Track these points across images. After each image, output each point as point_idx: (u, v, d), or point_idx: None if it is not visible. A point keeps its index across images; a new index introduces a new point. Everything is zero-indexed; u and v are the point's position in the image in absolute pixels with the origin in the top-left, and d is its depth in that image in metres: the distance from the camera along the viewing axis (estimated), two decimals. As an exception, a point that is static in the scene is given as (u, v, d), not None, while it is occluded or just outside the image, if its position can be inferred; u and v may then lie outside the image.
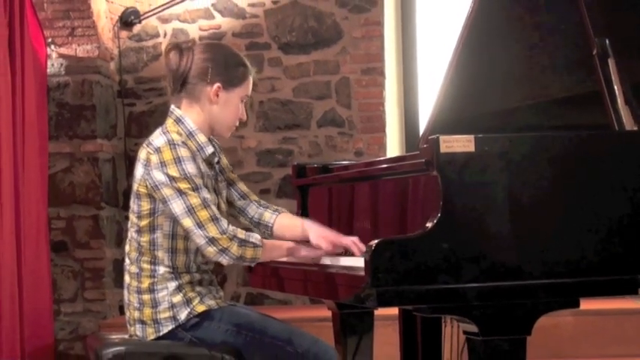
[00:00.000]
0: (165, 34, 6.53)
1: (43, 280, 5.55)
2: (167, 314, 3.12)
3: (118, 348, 3.09)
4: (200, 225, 3.04)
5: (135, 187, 3.15)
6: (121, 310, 5.78)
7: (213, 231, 3.03)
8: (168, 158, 3.07)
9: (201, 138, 3.20)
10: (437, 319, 3.58)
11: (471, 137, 2.65)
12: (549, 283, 2.65)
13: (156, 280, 3.14)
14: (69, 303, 6.11)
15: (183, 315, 3.11)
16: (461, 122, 3.48)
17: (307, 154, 6.42)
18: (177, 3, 6.44)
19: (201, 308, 3.12)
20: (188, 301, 3.12)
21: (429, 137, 2.69)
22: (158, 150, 3.09)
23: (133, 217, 3.18)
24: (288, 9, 6.44)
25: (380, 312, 3.27)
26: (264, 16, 6.47)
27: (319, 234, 3.21)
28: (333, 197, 3.54)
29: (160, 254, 3.14)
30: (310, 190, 3.69)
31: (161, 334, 3.12)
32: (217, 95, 3.21)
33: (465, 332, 2.74)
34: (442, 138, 2.64)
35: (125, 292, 3.23)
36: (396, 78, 6.55)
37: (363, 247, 3.11)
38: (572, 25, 3.13)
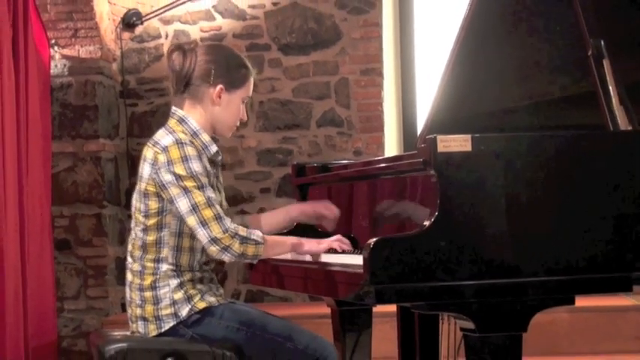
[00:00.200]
0: (166, 36, 6.53)
1: (47, 277, 5.55)
2: (169, 311, 3.13)
3: (120, 344, 3.10)
4: (203, 223, 3.05)
5: (143, 186, 3.15)
6: (123, 308, 5.78)
7: (215, 230, 3.04)
8: (175, 157, 3.09)
9: (205, 137, 3.22)
10: (434, 316, 3.58)
11: (468, 137, 2.66)
12: (545, 281, 2.66)
13: (158, 277, 3.15)
14: (72, 300, 6.11)
15: (184, 312, 3.12)
16: (458, 122, 3.47)
17: (307, 153, 6.43)
18: (179, 5, 6.45)
19: (202, 305, 3.13)
20: (189, 298, 3.13)
21: (427, 137, 2.70)
22: (166, 149, 3.10)
23: (138, 216, 3.18)
24: (288, 10, 6.44)
25: (378, 309, 3.25)
26: (264, 18, 6.47)
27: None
28: (333, 196, 3.54)
29: (165, 252, 3.15)
30: (310, 189, 3.70)
31: (163, 330, 3.13)
32: (220, 97, 3.23)
33: (462, 329, 2.75)
34: (439, 138, 2.65)
35: (127, 289, 3.24)
36: (394, 78, 6.55)
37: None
38: (567, 26, 3.12)
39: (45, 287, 5.53)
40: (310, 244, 3.21)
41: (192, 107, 3.24)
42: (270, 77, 6.46)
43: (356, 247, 3.21)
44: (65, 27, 6.08)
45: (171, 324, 3.13)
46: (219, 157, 3.28)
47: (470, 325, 2.68)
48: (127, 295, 3.24)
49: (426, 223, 2.63)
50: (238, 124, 3.33)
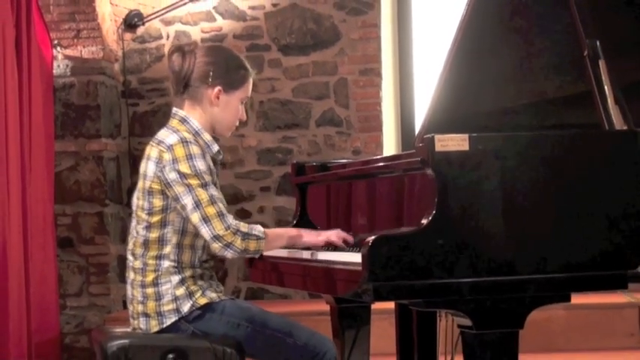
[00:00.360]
0: (168, 36, 6.55)
1: (50, 275, 5.58)
2: (170, 307, 3.15)
3: (122, 341, 3.11)
4: (206, 220, 3.07)
5: (147, 184, 3.16)
6: (125, 305, 5.82)
7: (218, 227, 3.07)
8: (180, 155, 3.11)
9: (207, 137, 3.24)
10: (432, 313, 3.58)
11: (465, 136, 2.67)
12: (541, 279, 2.67)
13: (160, 273, 3.16)
14: (74, 297, 6.13)
15: (185, 307, 3.14)
16: (455, 122, 3.47)
17: (306, 152, 6.44)
18: (180, 6, 6.47)
19: (203, 301, 3.15)
20: (190, 294, 3.15)
21: (425, 136, 2.71)
22: (171, 147, 3.12)
23: (141, 214, 3.18)
24: (287, 11, 6.46)
25: (377, 306, 3.29)
26: (264, 19, 6.49)
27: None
28: (332, 195, 3.56)
29: (167, 249, 3.16)
30: (309, 188, 3.71)
31: (164, 326, 3.15)
32: (218, 98, 3.24)
33: (459, 326, 2.76)
34: (437, 137, 2.66)
35: (129, 287, 3.25)
36: (393, 79, 6.56)
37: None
38: (563, 27, 3.13)
39: (48, 284, 5.56)
40: (309, 236, 3.23)
41: (191, 108, 3.27)
42: (270, 77, 6.48)
43: (354, 245, 3.21)
44: (68, 28, 6.10)
45: (172, 319, 3.15)
46: (221, 156, 3.30)
47: (467, 322, 2.69)
48: (129, 292, 3.25)
49: (424, 221, 2.64)
50: (238, 123, 3.35)
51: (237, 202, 6.46)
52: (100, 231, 6.16)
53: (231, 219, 3.11)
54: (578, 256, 2.71)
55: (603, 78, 2.94)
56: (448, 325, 3.43)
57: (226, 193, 3.41)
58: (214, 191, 3.13)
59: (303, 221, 3.68)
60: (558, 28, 3.22)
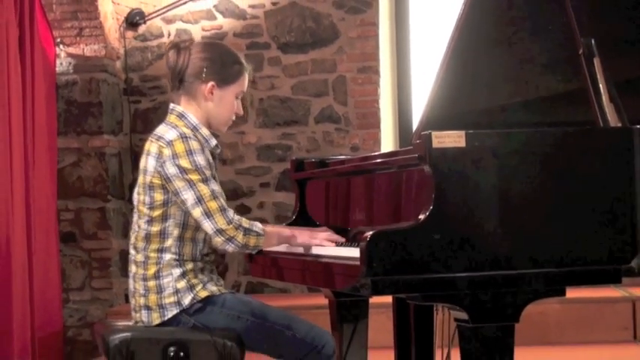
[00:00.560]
0: (169, 35, 6.57)
1: (53, 269, 5.61)
2: (172, 299, 3.16)
3: (124, 334, 3.12)
4: (209, 215, 3.09)
5: (147, 179, 3.17)
6: (127, 299, 5.85)
7: (220, 221, 3.09)
8: (180, 150, 3.12)
9: (205, 131, 3.25)
10: (429, 307, 3.59)
11: (462, 133, 2.67)
12: (537, 273, 2.68)
13: (161, 266, 3.17)
14: (77, 291, 6.17)
15: (187, 300, 3.15)
16: (452, 119, 3.45)
17: (305, 149, 6.47)
18: (181, 4, 6.50)
19: (204, 294, 3.16)
20: (192, 287, 3.17)
21: (422, 133, 2.72)
22: (170, 143, 3.14)
23: (143, 209, 3.19)
24: (287, 10, 6.48)
25: (374, 300, 3.20)
26: (264, 17, 6.51)
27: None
28: (330, 190, 3.57)
29: (169, 242, 3.17)
30: (308, 184, 3.71)
31: (166, 318, 3.16)
32: (212, 93, 3.25)
33: (455, 319, 2.77)
34: (434, 134, 2.67)
35: (130, 281, 3.25)
36: (391, 76, 6.59)
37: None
38: (559, 25, 3.14)
39: (51, 279, 5.58)
40: (303, 237, 3.26)
41: (187, 103, 3.28)
42: (270, 75, 6.51)
43: (352, 240, 3.22)
44: (70, 26, 6.14)
45: (174, 312, 3.16)
46: (219, 150, 3.32)
47: (463, 315, 2.70)
48: (131, 285, 3.27)
49: (421, 216, 2.65)
50: (234, 118, 3.36)
51: (237, 197, 6.49)
52: (103, 226, 6.20)
53: (232, 213, 3.14)
54: (573, 251, 2.72)
55: (598, 76, 2.95)
56: (445, 319, 3.42)
57: (226, 189, 3.44)
58: (215, 186, 3.15)
59: (303, 217, 3.69)
60: (554, 26, 3.24)
